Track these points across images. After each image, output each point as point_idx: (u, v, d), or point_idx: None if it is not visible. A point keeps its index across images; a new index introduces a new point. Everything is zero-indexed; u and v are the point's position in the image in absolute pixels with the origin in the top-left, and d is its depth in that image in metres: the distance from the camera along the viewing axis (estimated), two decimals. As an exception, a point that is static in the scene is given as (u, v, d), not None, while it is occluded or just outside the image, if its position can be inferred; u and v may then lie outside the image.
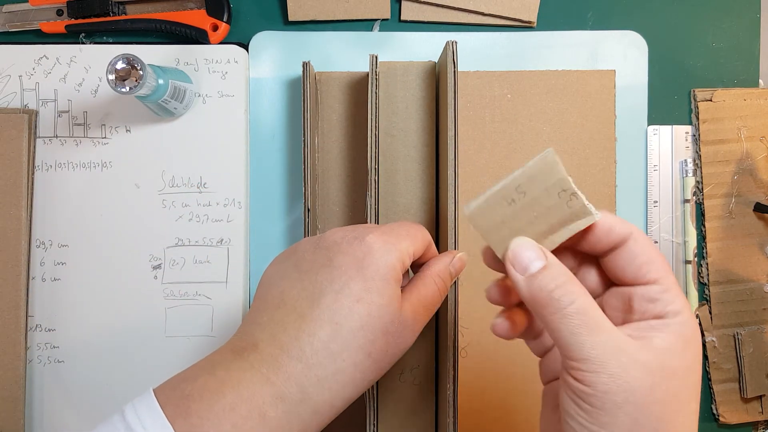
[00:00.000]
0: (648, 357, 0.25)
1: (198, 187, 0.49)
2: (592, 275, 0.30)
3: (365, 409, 0.43)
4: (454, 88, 0.42)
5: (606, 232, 0.28)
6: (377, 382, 0.43)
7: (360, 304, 0.32)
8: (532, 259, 0.27)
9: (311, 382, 0.31)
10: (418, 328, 0.35)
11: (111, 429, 0.29)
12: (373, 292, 0.32)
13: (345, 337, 0.32)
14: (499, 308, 0.32)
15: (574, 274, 0.28)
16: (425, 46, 0.51)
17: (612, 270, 0.29)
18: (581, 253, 0.30)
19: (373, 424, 0.43)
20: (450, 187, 0.41)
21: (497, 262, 0.30)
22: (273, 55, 0.51)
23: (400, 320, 0.33)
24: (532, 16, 0.51)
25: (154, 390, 0.31)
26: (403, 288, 0.35)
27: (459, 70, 0.49)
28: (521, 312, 0.31)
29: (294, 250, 0.35)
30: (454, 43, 0.42)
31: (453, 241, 0.41)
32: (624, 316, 0.28)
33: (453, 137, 0.41)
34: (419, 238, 0.35)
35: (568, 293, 0.26)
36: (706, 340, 0.50)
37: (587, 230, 0.28)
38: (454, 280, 0.39)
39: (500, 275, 0.31)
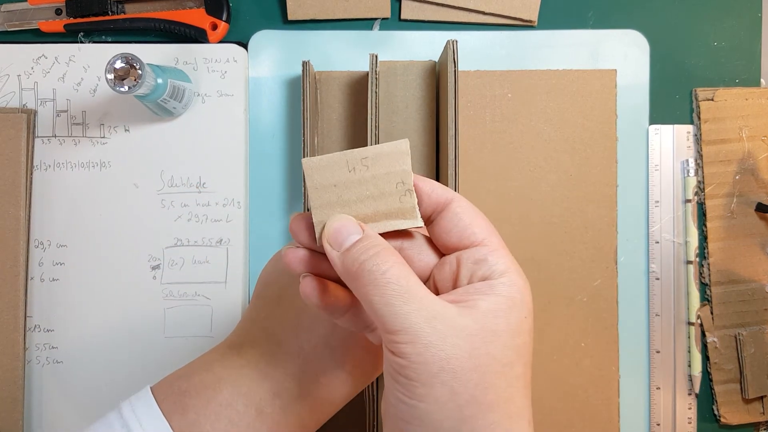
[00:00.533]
0: (467, 322, 0.24)
1: (197, 187, 0.49)
2: (424, 251, 0.29)
3: (365, 409, 0.43)
4: (455, 87, 0.42)
5: (428, 193, 0.27)
6: (376, 381, 0.43)
7: None
8: (348, 232, 0.26)
9: (309, 378, 0.31)
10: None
11: (108, 426, 0.29)
12: None
13: (343, 333, 0.31)
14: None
15: (404, 249, 0.28)
16: (425, 46, 0.51)
17: (438, 236, 0.28)
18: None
19: (373, 425, 0.42)
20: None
21: (305, 230, 0.28)
22: (272, 55, 0.51)
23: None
24: (533, 15, 0.51)
25: (151, 387, 0.31)
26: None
27: (459, 69, 0.48)
28: (342, 290, 0.29)
29: (293, 249, 0.35)
30: (455, 43, 0.42)
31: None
32: (453, 284, 0.27)
33: (453, 137, 0.41)
34: None
35: (380, 262, 0.25)
36: (708, 341, 0.50)
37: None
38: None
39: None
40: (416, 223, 0.27)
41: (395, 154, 0.27)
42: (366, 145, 0.44)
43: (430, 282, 0.28)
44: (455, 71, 0.42)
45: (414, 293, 0.24)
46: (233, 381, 0.30)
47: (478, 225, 0.27)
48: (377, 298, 0.24)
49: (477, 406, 0.23)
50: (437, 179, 0.47)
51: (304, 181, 0.28)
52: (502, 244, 0.27)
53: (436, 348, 0.23)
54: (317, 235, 0.27)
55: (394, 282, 0.24)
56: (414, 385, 0.23)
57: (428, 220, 0.28)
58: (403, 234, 0.29)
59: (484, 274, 0.26)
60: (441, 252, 0.29)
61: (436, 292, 0.27)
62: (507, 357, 0.24)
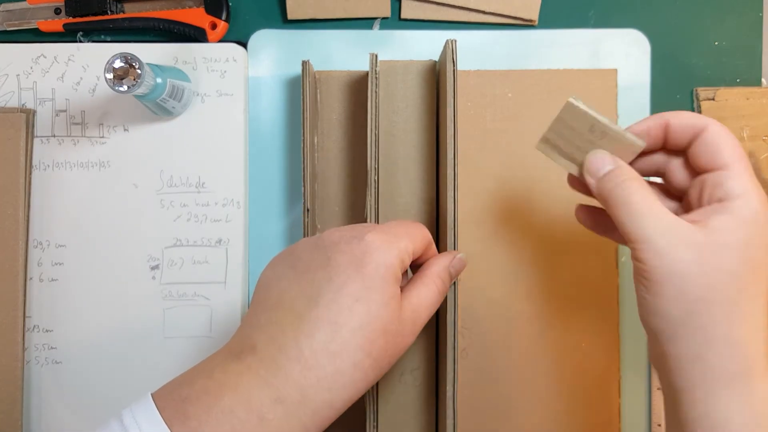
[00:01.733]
0: (697, 236, 0.29)
1: (196, 187, 0.49)
2: (679, 170, 0.35)
3: (365, 410, 0.43)
4: (453, 87, 0.42)
5: (675, 129, 0.33)
6: (377, 383, 0.43)
7: (359, 303, 0.31)
8: (604, 164, 0.33)
9: (310, 383, 0.31)
10: (417, 328, 0.34)
11: None
12: (372, 291, 0.32)
13: (344, 337, 0.31)
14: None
15: (664, 168, 0.35)
16: (426, 45, 0.51)
17: (692, 159, 0.33)
18: (670, 150, 0.35)
19: (374, 426, 0.42)
20: (450, 186, 0.41)
21: (578, 184, 0.37)
22: (272, 54, 0.51)
23: (400, 320, 0.33)
24: (534, 15, 0.50)
25: (152, 394, 0.31)
26: (402, 287, 0.34)
27: (459, 68, 0.48)
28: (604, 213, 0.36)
29: (292, 251, 0.35)
30: (454, 42, 0.41)
31: (453, 241, 0.40)
32: (697, 204, 0.32)
33: (453, 136, 0.41)
34: (419, 236, 0.35)
35: (628, 188, 0.31)
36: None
37: (667, 128, 0.33)
38: (453, 281, 0.38)
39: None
40: (639, 146, 0.34)
41: (629, 146, 0.33)
42: (367, 145, 0.44)
43: (683, 200, 0.35)
44: (454, 71, 0.42)
45: (651, 211, 0.31)
46: (234, 387, 0.30)
47: (726, 151, 0.32)
48: (624, 215, 0.31)
49: (702, 303, 0.29)
50: (437, 179, 0.47)
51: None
52: (746, 168, 0.32)
53: (665, 254, 0.30)
54: (556, 155, 0.36)
55: (636, 203, 0.31)
56: (650, 284, 0.30)
57: (686, 146, 0.34)
58: (668, 152, 0.35)
59: (723, 195, 0.31)
60: (695, 173, 0.34)
61: (688, 210, 0.33)
62: (733, 266, 0.29)
